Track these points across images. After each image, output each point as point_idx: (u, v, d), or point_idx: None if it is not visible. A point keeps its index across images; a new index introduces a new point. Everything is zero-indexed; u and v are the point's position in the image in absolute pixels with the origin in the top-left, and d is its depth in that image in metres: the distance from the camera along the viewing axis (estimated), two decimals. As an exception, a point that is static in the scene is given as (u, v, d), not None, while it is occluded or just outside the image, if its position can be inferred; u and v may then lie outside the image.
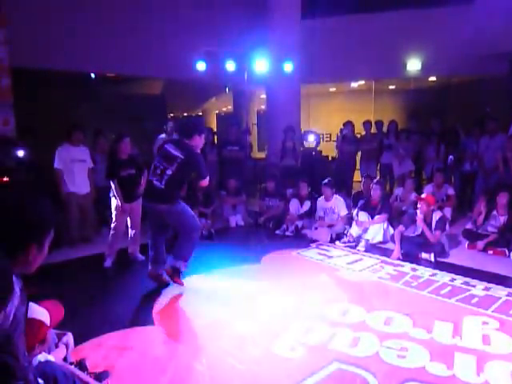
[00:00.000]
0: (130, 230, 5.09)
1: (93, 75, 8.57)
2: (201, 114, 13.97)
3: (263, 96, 10.27)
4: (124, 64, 7.77)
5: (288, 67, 7.93)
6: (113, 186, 4.83)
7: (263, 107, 11.39)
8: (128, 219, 5.03)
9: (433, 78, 10.42)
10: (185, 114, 13.29)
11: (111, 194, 4.94)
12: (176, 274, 4.08)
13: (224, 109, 13.83)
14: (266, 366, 2.91)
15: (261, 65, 7.79)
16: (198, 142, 4.15)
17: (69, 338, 2.27)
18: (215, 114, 14.08)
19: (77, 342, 2.58)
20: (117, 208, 4.90)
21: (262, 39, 8.08)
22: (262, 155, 10.30)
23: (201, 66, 8.13)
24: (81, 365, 2.30)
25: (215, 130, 11.22)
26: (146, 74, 9.04)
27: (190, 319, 3.63)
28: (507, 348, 3.06)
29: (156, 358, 2.98)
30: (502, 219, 5.38)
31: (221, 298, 3.98)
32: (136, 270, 4.86)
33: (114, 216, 4.94)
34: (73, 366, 2.17)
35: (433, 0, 8.66)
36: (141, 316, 3.66)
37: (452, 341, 3.16)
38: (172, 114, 11.59)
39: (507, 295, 3.94)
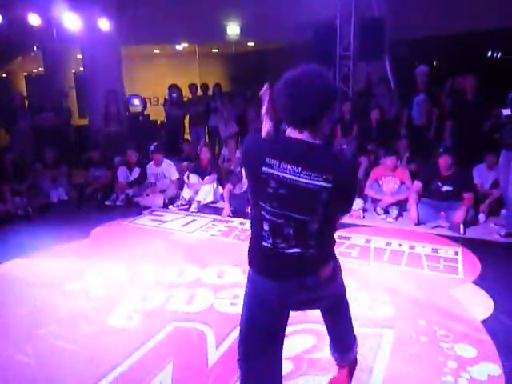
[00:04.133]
0: None
1: None
2: (5, 76, 12.03)
3: (80, 56, 9.33)
4: None
5: (104, 25, 7.31)
6: None
7: (82, 69, 10.39)
8: None
9: (252, 44, 10.95)
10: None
11: None
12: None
13: (35, 70, 12.18)
14: (101, 341, 2.82)
15: (71, 20, 6.97)
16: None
17: None
18: (24, 76, 12.29)
19: None
20: None
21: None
22: (85, 122, 9.48)
23: (-7, 17, 6.86)
24: None
25: (25, 94, 9.84)
26: None
27: (10, 309, 3.22)
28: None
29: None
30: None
31: (46, 281, 3.63)
32: None
33: None
34: None
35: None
36: None
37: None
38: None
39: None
